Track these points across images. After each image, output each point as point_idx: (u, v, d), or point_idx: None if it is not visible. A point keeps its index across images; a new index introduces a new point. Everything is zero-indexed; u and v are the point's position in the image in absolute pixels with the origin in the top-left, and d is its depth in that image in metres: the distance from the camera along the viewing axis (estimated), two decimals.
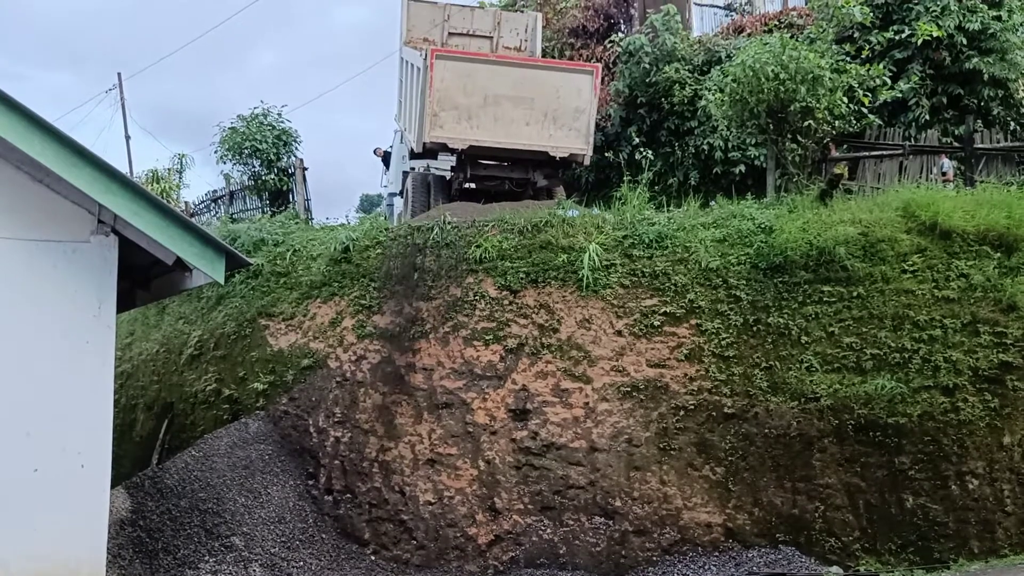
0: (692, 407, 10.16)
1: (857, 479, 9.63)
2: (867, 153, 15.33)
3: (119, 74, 30.68)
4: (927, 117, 15.42)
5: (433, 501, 10.24)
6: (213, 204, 22.46)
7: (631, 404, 10.29)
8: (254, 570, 9.36)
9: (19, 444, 6.82)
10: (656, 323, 10.65)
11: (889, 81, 14.70)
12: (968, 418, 9.53)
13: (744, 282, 10.70)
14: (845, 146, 15.53)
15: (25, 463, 6.84)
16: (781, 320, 10.38)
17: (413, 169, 17.05)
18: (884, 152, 15.18)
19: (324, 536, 10.21)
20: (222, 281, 7.45)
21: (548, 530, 9.87)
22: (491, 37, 17.69)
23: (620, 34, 19.62)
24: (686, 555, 9.60)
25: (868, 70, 14.06)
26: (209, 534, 9.67)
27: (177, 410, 12.82)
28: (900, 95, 15.18)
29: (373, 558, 10.06)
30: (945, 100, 15.63)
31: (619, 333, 10.71)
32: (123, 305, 7.76)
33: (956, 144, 15.02)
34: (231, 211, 21.03)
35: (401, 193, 18.36)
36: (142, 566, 9.16)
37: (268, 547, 9.72)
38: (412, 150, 16.40)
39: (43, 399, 6.95)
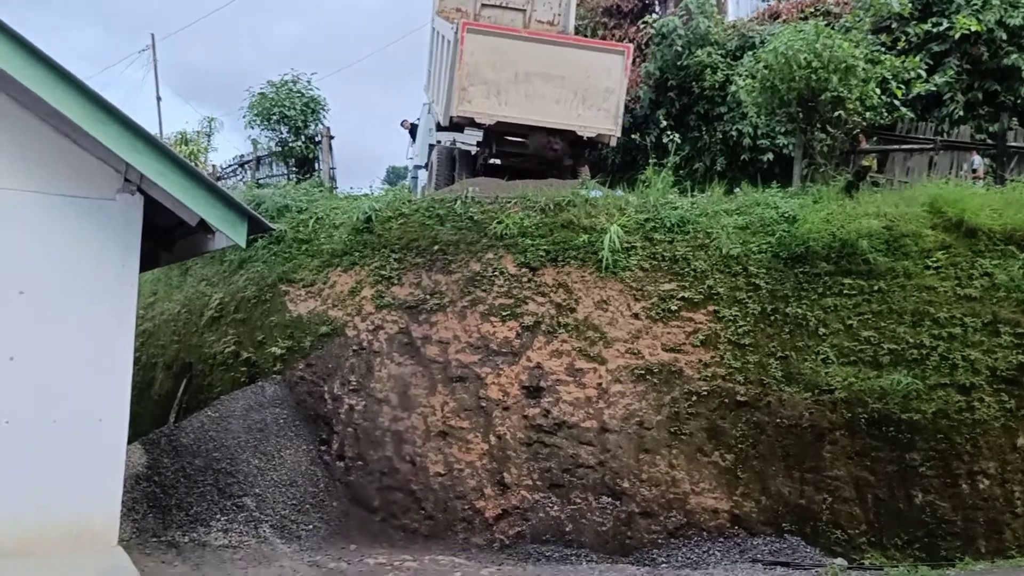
0: (705, 393, 10.17)
1: (867, 473, 9.61)
2: (897, 146, 15.18)
3: (152, 35, 30.89)
4: (961, 113, 15.23)
5: (443, 473, 10.33)
6: (240, 168, 22.62)
7: (644, 387, 10.31)
8: (264, 531, 9.50)
9: (37, 396, 6.93)
10: (673, 308, 10.64)
11: (924, 74, 14.51)
12: (983, 418, 9.47)
13: (764, 271, 10.66)
14: (875, 138, 15.38)
15: (43, 415, 6.96)
16: (799, 310, 10.34)
17: (439, 142, 17.07)
18: (914, 146, 15.02)
19: (334, 502, 10.34)
20: (244, 244, 7.50)
21: (555, 507, 9.94)
22: (524, 10, 17.55)
23: (654, 15, 19.47)
24: (691, 539, 9.64)
25: (903, 62, 13.88)
26: (222, 493, 9.82)
27: (195, 370, 12.98)
28: (935, 89, 14.99)
29: (381, 525, 10.17)
30: (981, 96, 15.42)
31: (636, 316, 10.71)
32: (146, 265, 7.84)
33: (989, 141, 14.82)
34: (257, 176, 21.19)
35: (426, 166, 18.40)
36: (155, 521, 9.33)
37: (279, 509, 9.86)
38: (439, 123, 16.40)
39: (63, 352, 7.05)
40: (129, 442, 7.68)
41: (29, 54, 6.46)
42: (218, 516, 9.56)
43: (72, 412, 7.04)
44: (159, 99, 29.47)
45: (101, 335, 7.20)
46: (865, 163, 12.88)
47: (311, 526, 9.86)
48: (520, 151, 15.64)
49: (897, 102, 14.08)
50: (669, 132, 16.97)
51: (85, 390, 7.10)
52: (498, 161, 15.96)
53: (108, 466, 7.21)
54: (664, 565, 9.28)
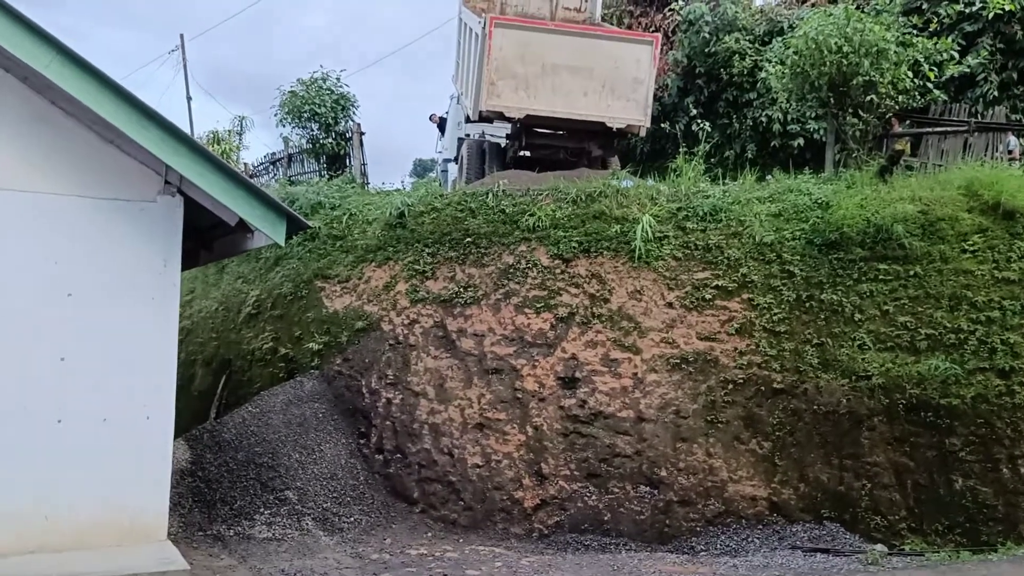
0: (741, 381, 10.17)
1: (906, 459, 9.57)
2: (930, 129, 15.01)
3: (182, 35, 31.13)
4: (995, 93, 15.01)
5: (481, 464, 10.44)
6: (272, 166, 22.84)
7: (680, 376, 10.34)
8: (307, 523, 9.66)
9: (88, 395, 7.12)
10: (708, 296, 10.64)
11: (957, 55, 14.35)
12: (1023, 402, 9.39)
13: (798, 257, 10.63)
14: (908, 122, 15.22)
15: (95, 413, 7.15)
16: (835, 297, 10.30)
17: (468, 136, 17.13)
18: (948, 129, 14.85)
19: (374, 494, 10.48)
20: (283, 243, 7.63)
21: (593, 497, 10.00)
22: None
23: (680, 2, 19.37)
24: (730, 527, 9.67)
25: (935, 43, 13.73)
26: (264, 487, 9.99)
27: (235, 366, 13.19)
28: (968, 70, 14.81)
29: (421, 517, 10.30)
30: (1015, 76, 15.18)
31: (670, 305, 10.73)
32: (186, 264, 7.99)
33: None
34: (289, 173, 21.38)
35: (456, 159, 18.47)
36: (201, 515, 9.51)
37: (320, 502, 10.02)
38: (468, 115, 16.46)
39: (111, 352, 7.24)
40: (173, 438, 7.85)
41: (76, 65, 6.62)
42: (261, 509, 9.73)
43: (121, 410, 7.23)
44: (189, 99, 29.79)
45: (146, 334, 7.38)
46: (898, 147, 12.76)
47: (352, 518, 10.00)
48: (551, 143, 15.66)
49: (930, 84, 13.94)
50: (698, 120, 16.93)
51: (132, 388, 7.29)
52: (528, 153, 16.00)
53: (156, 462, 7.41)
54: (703, 553, 9.32)
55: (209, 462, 10.20)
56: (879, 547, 8.98)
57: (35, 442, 6.89)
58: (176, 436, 9.03)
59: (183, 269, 7.82)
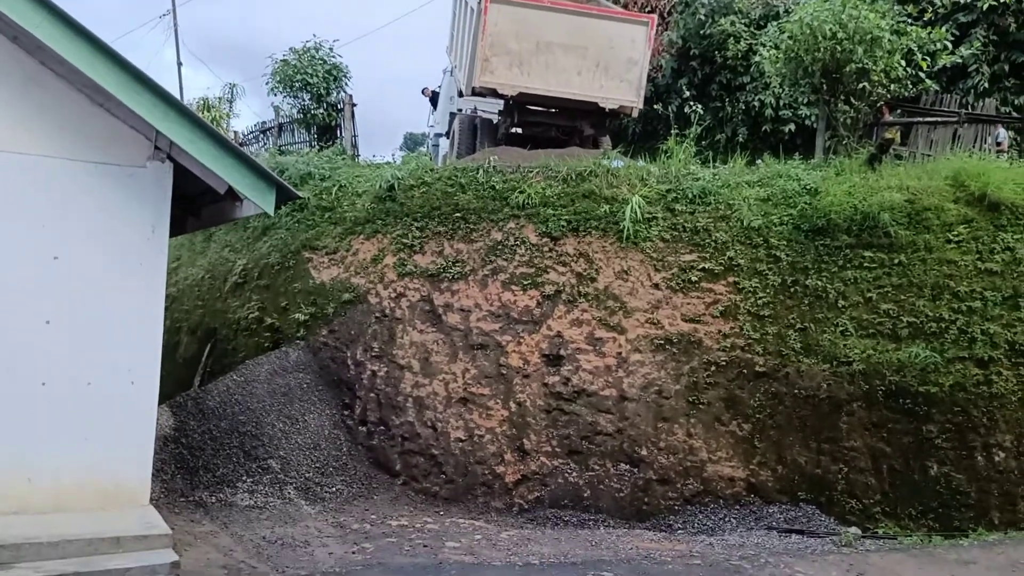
0: (724, 363, 10.27)
1: (883, 444, 9.71)
2: (921, 119, 15.09)
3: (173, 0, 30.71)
4: (986, 85, 15.12)
5: (463, 438, 10.51)
6: (262, 135, 22.70)
7: (663, 356, 10.42)
8: (289, 492, 9.73)
9: (73, 358, 7.14)
10: (694, 278, 10.71)
11: (950, 46, 14.38)
12: (1000, 391, 9.53)
13: (785, 242, 10.70)
14: (899, 111, 15.28)
15: (79, 377, 7.16)
16: (819, 283, 10.39)
17: (460, 111, 17.08)
18: (938, 119, 14.92)
19: (357, 465, 10.55)
20: (272, 213, 7.63)
21: (574, 473, 10.11)
22: None
23: None
24: (707, 506, 9.80)
25: (929, 33, 13.76)
26: (247, 455, 10.04)
27: (220, 335, 13.20)
28: (960, 61, 14.88)
29: (403, 488, 10.38)
30: (1007, 68, 15.26)
31: (656, 286, 10.80)
32: (174, 230, 7.98)
33: (1015, 114, 14.70)
34: (279, 143, 21.27)
35: (447, 134, 18.43)
36: (183, 482, 9.56)
37: (303, 471, 10.08)
38: (460, 90, 16.40)
39: (96, 316, 7.25)
40: (157, 405, 7.88)
41: (67, 26, 6.59)
42: (244, 478, 9.79)
43: (105, 375, 7.25)
44: (180, 64, 29.44)
45: (132, 300, 7.40)
46: (888, 135, 12.80)
47: (334, 488, 10.07)
48: (543, 120, 15.63)
49: (922, 74, 13.98)
50: (691, 102, 16.94)
51: (117, 353, 7.31)
52: (520, 131, 15.97)
53: (140, 427, 7.45)
54: (680, 531, 9.45)
55: (193, 429, 10.23)
56: (853, 530, 9.13)
57: (19, 404, 6.92)
58: (160, 403, 9.06)
59: (171, 236, 7.82)
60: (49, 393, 7.03)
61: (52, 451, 7.03)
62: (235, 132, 23.40)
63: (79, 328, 7.18)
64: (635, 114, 15.64)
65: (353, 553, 7.86)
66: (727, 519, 9.64)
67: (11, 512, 6.80)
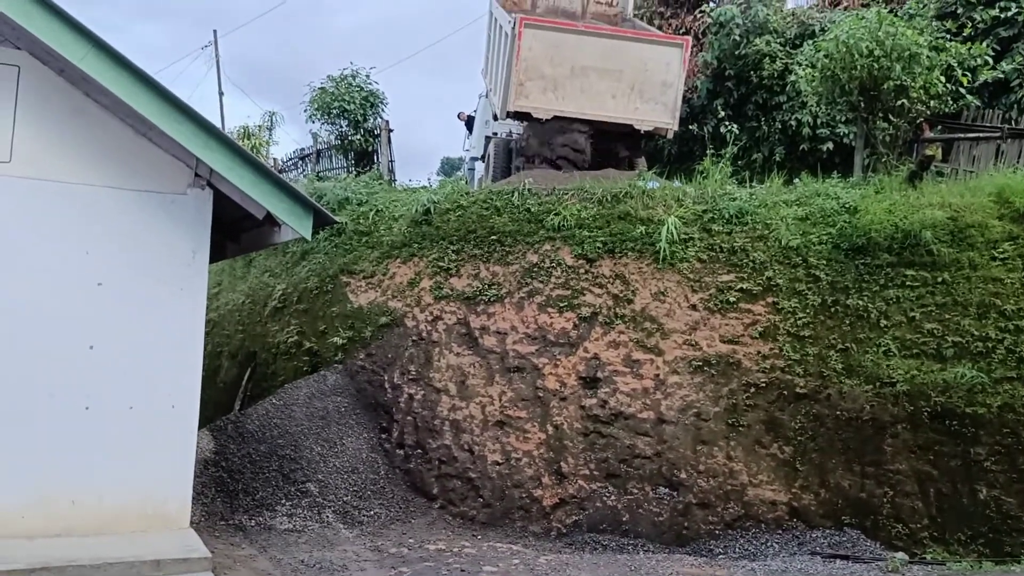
0: (763, 385, 10.13)
1: (929, 467, 9.49)
2: (962, 135, 14.83)
3: (215, 31, 31.49)
4: None
5: (501, 462, 10.48)
6: (300, 161, 23.04)
7: (702, 378, 10.32)
8: (327, 516, 9.75)
9: (116, 383, 7.26)
10: (732, 299, 10.61)
11: (991, 60, 14.16)
12: None
13: (824, 262, 10.57)
14: (939, 127, 15.05)
15: (121, 401, 7.28)
16: (860, 302, 10.23)
17: (495, 134, 17.18)
18: (980, 135, 14.65)
19: (394, 488, 10.55)
20: (309, 237, 7.72)
21: (612, 497, 10.01)
22: None
23: (711, 4, 19.31)
24: (749, 531, 9.63)
25: (969, 48, 13.57)
26: (286, 479, 10.10)
27: (259, 359, 13.33)
28: (1002, 76, 14.62)
29: (440, 512, 10.36)
30: None
31: (694, 307, 10.71)
32: (214, 256, 8.11)
33: None
34: (317, 169, 21.55)
35: (483, 157, 18.52)
36: (223, 505, 9.63)
37: (341, 495, 10.11)
38: (495, 114, 16.50)
39: (139, 341, 7.38)
40: (198, 429, 7.97)
41: (111, 58, 6.77)
42: (283, 501, 9.84)
43: (147, 399, 7.36)
44: (221, 94, 30.10)
45: (174, 325, 7.51)
46: (929, 152, 12.62)
47: (372, 512, 10.08)
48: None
49: (963, 90, 13.77)
50: (727, 122, 16.86)
51: (159, 378, 7.42)
52: None
53: (181, 451, 7.54)
54: (721, 556, 9.29)
55: (232, 453, 10.32)
56: (900, 555, 8.91)
57: (63, 428, 7.04)
58: (201, 426, 9.17)
59: (211, 261, 7.94)
60: (92, 417, 7.14)
61: (95, 474, 7.14)
62: (274, 159, 23.78)
63: (122, 353, 7.30)
64: (670, 136, 15.61)
65: None
66: (769, 544, 9.46)
67: (55, 535, 6.91)
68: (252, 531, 9.17)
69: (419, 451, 10.84)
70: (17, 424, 6.89)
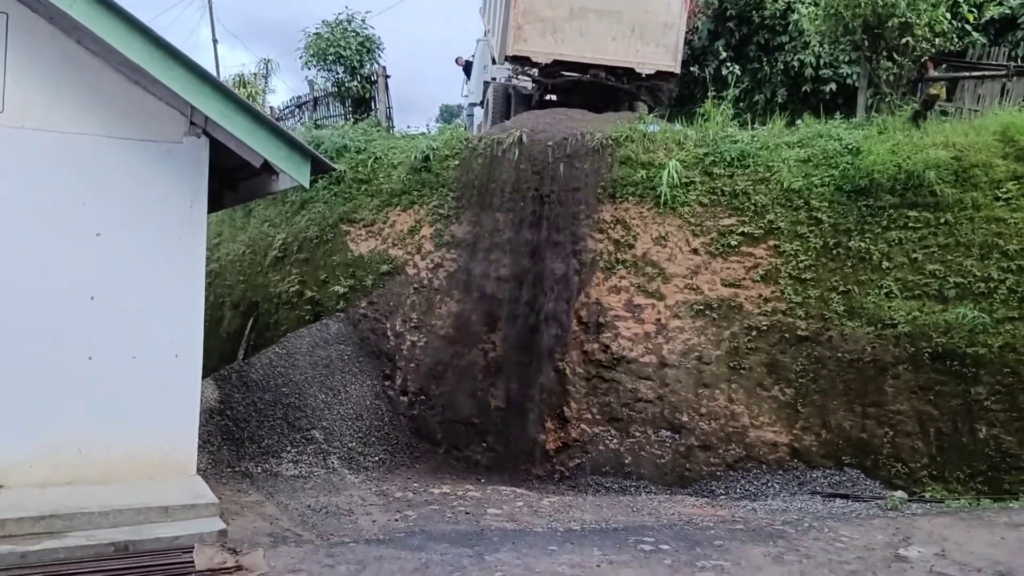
0: (765, 328, 10.15)
1: (930, 407, 9.54)
2: (967, 74, 14.63)
3: None
4: None
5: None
6: (297, 110, 22.79)
7: (703, 322, 10.33)
8: (332, 462, 9.86)
9: (118, 333, 7.28)
10: (733, 243, 10.57)
11: None
12: None
13: (826, 204, 10.50)
14: (944, 65, 14.84)
15: (124, 351, 7.30)
16: (862, 244, 10.19)
17: (494, 79, 16.95)
18: (986, 73, 14.45)
19: (398, 434, 10.66)
20: (307, 185, 7.65)
21: (615, 440, 10.10)
22: None
23: None
24: (750, 471, 9.74)
25: None
26: (291, 427, 10.19)
27: (262, 309, 13.36)
28: (1009, 12, 14.37)
29: (444, 457, 10.47)
30: None
31: (695, 251, 10.68)
32: (212, 206, 8.06)
33: None
34: (315, 117, 21.33)
35: (482, 103, 18.31)
36: (229, 452, 9.74)
37: (346, 441, 10.21)
38: (494, 58, 16.26)
39: (140, 291, 7.37)
40: (202, 378, 8.01)
41: (101, 5, 6.62)
42: (288, 448, 9.94)
43: (150, 348, 7.38)
44: (215, 42, 29.70)
45: (174, 275, 7.50)
46: (933, 91, 12.44)
47: (377, 458, 10.20)
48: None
49: (968, 27, 13.54)
50: (728, 64, 16.62)
51: (161, 327, 7.43)
52: (555, 97, 15.81)
53: (185, 400, 7.59)
54: (723, 496, 9.41)
55: (237, 402, 10.40)
56: (899, 493, 9.01)
57: (67, 378, 7.07)
58: (205, 376, 9.22)
59: (209, 211, 7.89)
60: (96, 367, 7.17)
61: (101, 423, 7.20)
62: (271, 107, 23.50)
63: (123, 303, 7.30)
64: (672, 79, 15.36)
65: (396, 521, 7.94)
66: (770, 484, 9.57)
67: (64, 483, 6.99)
68: (259, 478, 9.28)
69: (422, 398, 10.91)
70: (21, 375, 6.92)
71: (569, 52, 14.51)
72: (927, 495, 9.17)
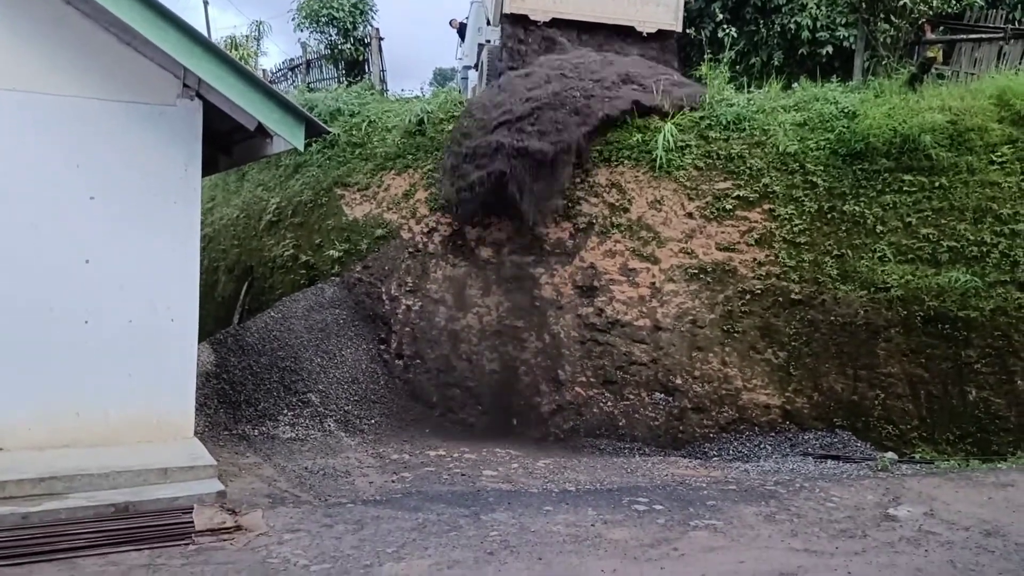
0: (759, 291, 10.20)
1: (921, 370, 9.64)
2: (964, 36, 14.52)
3: None
4: None
5: (498, 370, 10.61)
6: (290, 72, 22.55)
7: (697, 286, 10.37)
8: (329, 424, 9.93)
9: (114, 297, 7.29)
10: (728, 207, 10.58)
11: None
12: None
13: (822, 168, 10.49)
14: (941, 28, 14.72)
15: (120, 315, 7.32)
16: (857, 208, 10.21)
17: (489, 42, 16.77)
18: (983, 36, 14.35)
19: (394, 397, 10.72)
20: (301, 147, 7.63)
21: (609, 403, 10.19)
22: None
23: None
24: (743, 433, 9.85)
25: None
26: (287, 390, 10.24)
27: (256, 273, 13.36)
28: None
29: (440, 420, 10.54)
30: None
31: (690, 215, 10.69)
32: (206, 170, 8.03)
33: None
34: (308, 80, 21.11)
35: (476, 66, 18.13)
36: (226, 415, 9.80)
37: (342, 404, 10.28)
38: (488, 19, 16.09)
39: (134, 255, 7.38)
40: (198, 342, 8.04)
41: None
42: (285, 411, 10.01)
43: (145, 312, 7.41)
44: (206, 3, 29.22)
45: (168, 238, 7.50)
46: (930, 54, 12.36)
47: (373, 420, 10.27)
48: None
49: None
50: (725, 26, 16.46)
51: (156, 291, 7.45)
52: None
53: (182, 363, 7.62)
54: (715, 458, 9.52)
55: (233, 365, 10.44)
56: (889, 455, 9.13)
57: (64, 342, 7.10)
58: (201, 340, 9.25)
59: (204, 175, 7.87)
60: (92, 331, 7.20)
61: (98, 387, 7.24)
62: (263, 70, 23.25)
63: (118, 267, 7.31)
64: (674, 37, 15.17)
65: (393, 482, 8.03)
66: (762, 446, 9.68)
67: (63, 445, 7.05)
68: (256, 440, 9.35)
69: (418, 361, 10.97)
70: (17, 339, 6.94)
71: (568, 10, 14.33)
72: (917, 456, 9.29)
